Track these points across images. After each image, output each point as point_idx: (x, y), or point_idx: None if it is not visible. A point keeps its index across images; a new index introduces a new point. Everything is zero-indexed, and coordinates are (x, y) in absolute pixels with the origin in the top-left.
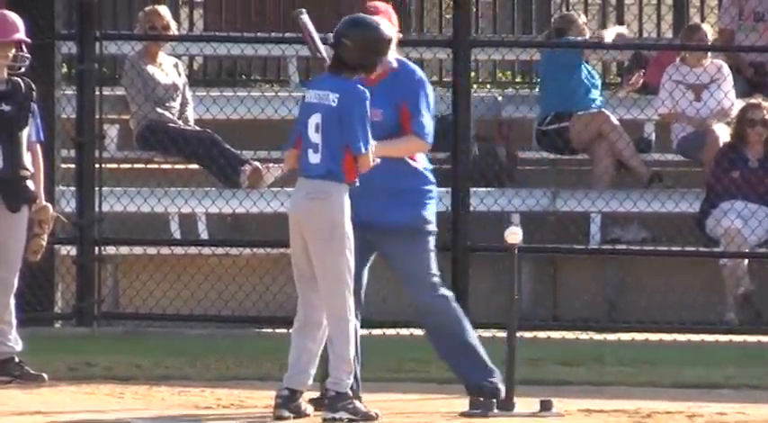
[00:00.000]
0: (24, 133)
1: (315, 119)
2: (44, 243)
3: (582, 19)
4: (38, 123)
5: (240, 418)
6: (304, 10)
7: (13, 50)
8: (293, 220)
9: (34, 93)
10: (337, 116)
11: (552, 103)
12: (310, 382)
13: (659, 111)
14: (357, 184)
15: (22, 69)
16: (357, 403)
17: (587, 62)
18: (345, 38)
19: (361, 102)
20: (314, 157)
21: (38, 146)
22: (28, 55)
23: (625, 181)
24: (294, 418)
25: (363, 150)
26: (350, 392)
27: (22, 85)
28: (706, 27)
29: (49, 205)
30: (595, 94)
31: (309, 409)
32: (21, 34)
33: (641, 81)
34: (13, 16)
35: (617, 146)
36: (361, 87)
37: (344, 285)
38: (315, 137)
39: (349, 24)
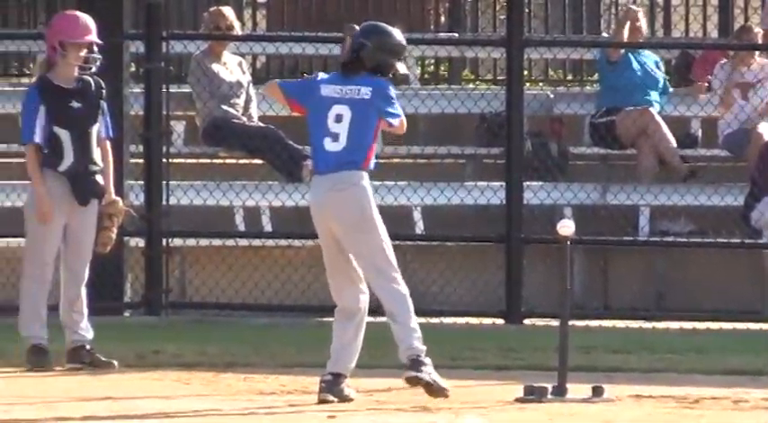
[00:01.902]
0: (94, 130)
1: (336, 110)
2: (114, 236)
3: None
4: (107, 120)
5: (303, 404)
6: (356, 26)
7: (85, 51)
8: (321, 214)
9: (104, 91)
10: (374, 106)
11: (607, 98)
12: (353, 366)
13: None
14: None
15: (93, 70)
16: (434, 373)
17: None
18: (366, 41)
19: (390, 90)
20: (331, 146)
21: (107, 142)
22: (99, 56)
23: (673, 176)
24: (338, 401)
25: (398, 118)
26: (426, 360)
27: (92, 83)
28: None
29: (119, 199)
30: (654, 95)
31: (352, 393)
32: (93, 36)
33: (706, 85)
34: (86, 18)
35: (658, 143)
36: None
37: (388, 263)
38: (335, 127)
39: (369, 30)
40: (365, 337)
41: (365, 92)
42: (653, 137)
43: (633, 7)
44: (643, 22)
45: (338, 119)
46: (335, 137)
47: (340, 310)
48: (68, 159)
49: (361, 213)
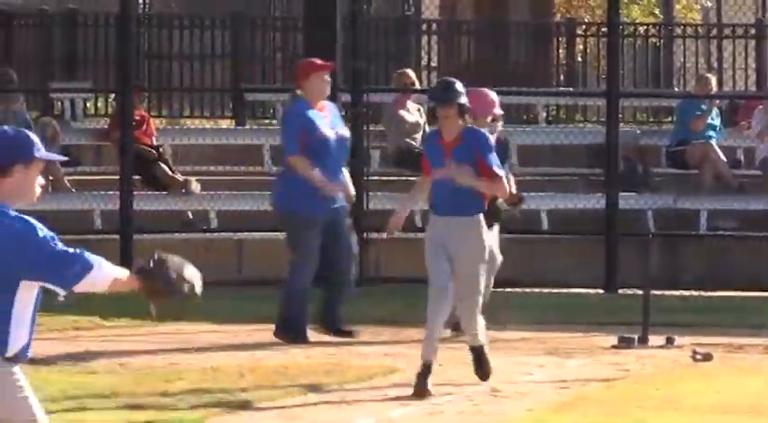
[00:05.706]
0: None
1: None
2: None
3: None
4: None
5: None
6: None
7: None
8: None
9: None
10: None
11: (680, 134)
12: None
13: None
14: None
15: None
16: None
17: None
18: None
19: None
20: None
21: None
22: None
23: (727, 188)
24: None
25: None
26: None
27: None
28: None
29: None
30: (712, 133)
31: None
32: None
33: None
34: None
35: (717, 165)
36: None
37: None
38: None
39: None
40: None
41: None
42: (713, 161)
43: (708, 75)
44: (714, 84)
45: None
46: None
47: None
48: None
49: None
